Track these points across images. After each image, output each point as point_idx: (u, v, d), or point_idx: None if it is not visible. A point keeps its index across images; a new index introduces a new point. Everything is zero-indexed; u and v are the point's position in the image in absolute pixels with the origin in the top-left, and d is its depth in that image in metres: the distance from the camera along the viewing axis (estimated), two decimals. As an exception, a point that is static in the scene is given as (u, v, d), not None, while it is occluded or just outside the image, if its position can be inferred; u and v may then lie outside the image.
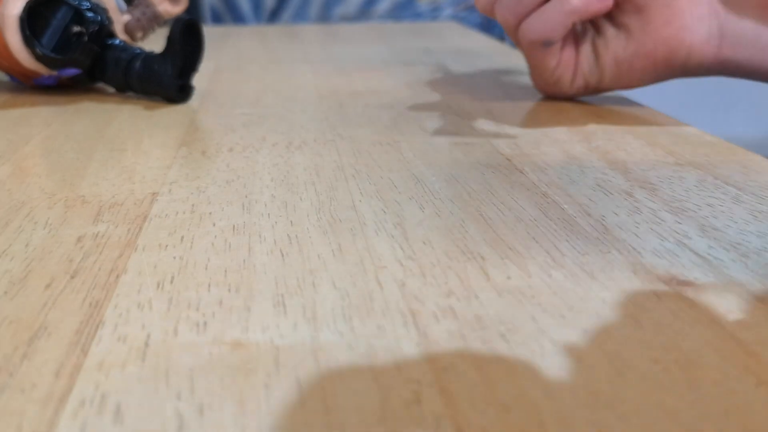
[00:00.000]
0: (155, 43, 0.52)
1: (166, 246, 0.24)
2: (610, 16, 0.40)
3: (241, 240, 0.25)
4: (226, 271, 0.22)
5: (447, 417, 0.15)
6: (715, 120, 1.93)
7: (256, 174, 0.32)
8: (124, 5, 0.51)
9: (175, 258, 0.23)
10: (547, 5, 0.38)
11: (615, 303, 0.20)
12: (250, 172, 0.32)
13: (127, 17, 0.51)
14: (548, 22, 0.39)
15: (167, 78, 0.45)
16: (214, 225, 0.26)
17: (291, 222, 0.26)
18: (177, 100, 0.46)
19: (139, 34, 0.51)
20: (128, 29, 0.51)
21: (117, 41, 0.47)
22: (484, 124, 0.40)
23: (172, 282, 0.22)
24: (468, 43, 0.75)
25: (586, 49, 0.41)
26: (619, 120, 0.40)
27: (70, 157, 0.35)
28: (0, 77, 0.54)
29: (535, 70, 0.42)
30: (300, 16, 1.58)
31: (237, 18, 1.56)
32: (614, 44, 0.40)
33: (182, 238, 0.25)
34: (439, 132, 0.38)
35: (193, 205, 0.28)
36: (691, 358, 0.17)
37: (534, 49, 0.40)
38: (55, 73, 0.47)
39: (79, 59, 0.46)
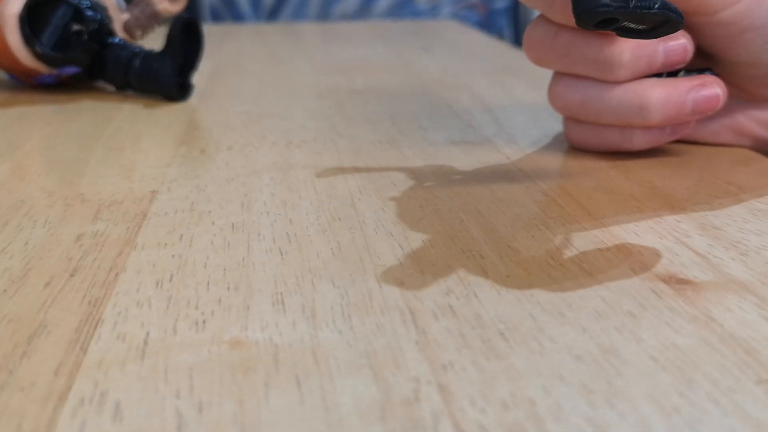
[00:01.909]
0: (155, 41, 0.52)
1: (165, 244, 0.24)
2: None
3: (240, 238, 0.25)
4: (225, 269, 0.22)
5: (446, 415, 0.15)
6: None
7: (255, 172, 0.32)
8: (123, 4, 0.51)
9: (174, 256, 0.23)
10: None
11: (614, 301, 0.20)
12: (250, 170, 0.32)
13: (126, 16, 0.51)
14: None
15: (167, 76, 0.45)
16: (213, 223, 0.26)
17: (290, 220, 0.26)
18: (176, 98, 0.46)
19: (138, 33, 0.51)
20: (127, 27, 0.51)
21: (117, 39, 0.47)
22: (483, 123, 0.40)
23: (171, 280, 0.22)
24: (467, 42, 0.75)
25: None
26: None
27: (69, 156, 0.35)
28: (0, 76, 0.54)
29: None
30: (299, 14, 1.58)
31: (236, 16, 1.56)
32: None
33: (181, 236, 0.25)
34: (438, 131, 0.38)
35: (192, 204, 0.28)
36: (690, 357, 0.17)
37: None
38: (55, 71, 0.47)
39: (78, 58, 0.46)
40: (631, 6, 0.23)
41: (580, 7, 0.23)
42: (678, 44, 0.30)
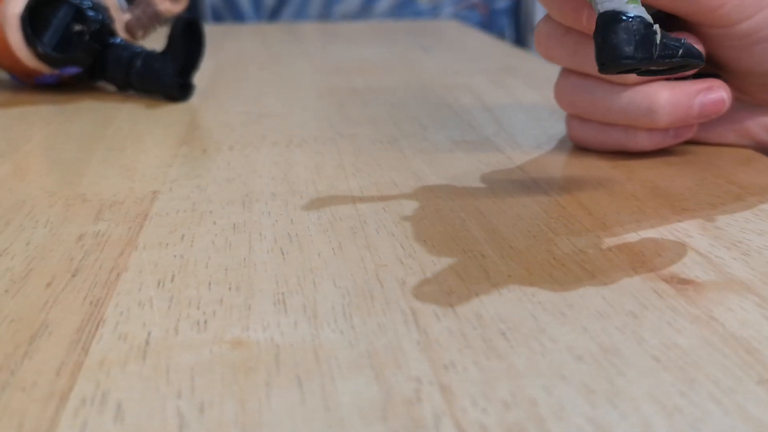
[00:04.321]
0: (156, 41, 0.52)
1: (167, 244, 0.24)
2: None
3: (242, 238, 0.25)
4: (226, 269, 0.22)
5: (447, 415, 0.15)
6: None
7: (256, 172, 0.32)
8: (124, 4, 0.51)
9: (175, 256, 0.23)
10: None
11: (615, 301, 0.20)
12: (251, 170, 0.32)
13: (127, 16, 0.51)
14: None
15: (168, 76, 0.45)
16: (214, 223, 0.26)
17: (291, 220, 0.26)
18: (178, 98, 0.46)
19: (139, 33, 0.51)
20: (129, 28, 0.51)
21: (118, 40, 0.47)
22: (484, 123, 0.40)
23: (172, 280, 0.22)
24: (468, 42, 0.75)
25: None
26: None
27: (70, 156, 0.35)
28: (1, 76, 0.54)
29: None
30: (300, 14, 1.58)
31: (237, 16, 1.56)
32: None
33: (183, 236, 0.25)
34: (438, 130, 0.38)
35: (193, 204, 0.28)
36: (691, 357, 0.17)
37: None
38: (56, 71, 0.47)
39: (80, 58, 0.46)
40: (655, 57, 0.23)
41: (604, 57, 0.23)
42: None
